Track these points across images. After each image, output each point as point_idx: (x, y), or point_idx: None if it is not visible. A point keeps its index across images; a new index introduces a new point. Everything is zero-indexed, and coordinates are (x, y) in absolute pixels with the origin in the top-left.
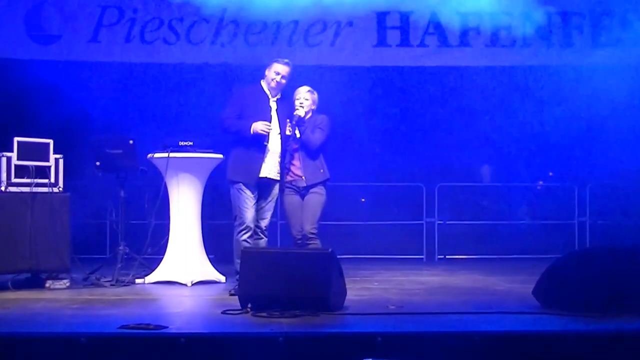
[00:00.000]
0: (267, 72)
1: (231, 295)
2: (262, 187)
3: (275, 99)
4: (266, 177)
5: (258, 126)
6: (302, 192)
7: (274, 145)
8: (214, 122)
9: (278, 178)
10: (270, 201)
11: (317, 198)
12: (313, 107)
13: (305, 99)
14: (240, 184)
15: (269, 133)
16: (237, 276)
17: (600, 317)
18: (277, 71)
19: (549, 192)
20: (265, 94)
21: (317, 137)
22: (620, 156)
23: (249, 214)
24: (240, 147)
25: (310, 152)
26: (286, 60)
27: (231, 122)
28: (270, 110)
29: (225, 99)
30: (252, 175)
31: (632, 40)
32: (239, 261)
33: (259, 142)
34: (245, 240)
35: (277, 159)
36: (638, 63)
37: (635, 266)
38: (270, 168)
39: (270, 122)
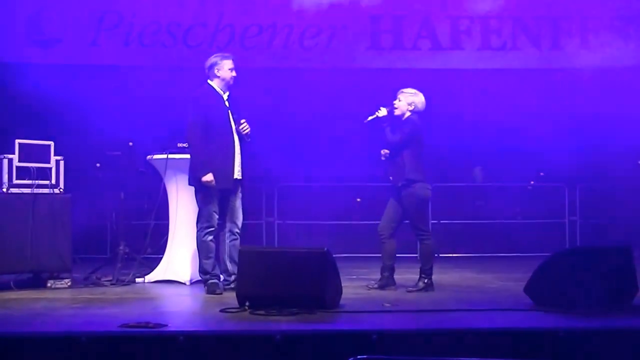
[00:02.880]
0: (218, 73)
1: (208, 294)
2: (232, 189)
3: (226, 96)
4: (235, 178)
5: (209, 181)
6: (399, 192)
7: (237, 146)
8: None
9: (241, 177)
10: (238, 200)
11: (405, 203)
12: (408, 108)
13: (398, 100)
14: (212, 188)
15: (233, 137)
16: (207, 276)
17: (590, 314)
18: (230, 67)
19: (540, 192)
20: (219, 94)
21: (394, 136)
22: (609, 157)
23: (216, 217)
24: (210, 154)
25: (393, 152)
26: (229, 54)
27: (199, 148)
28: (228, 111)
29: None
30: (228, 180)
31: (621, 43)
32: (206, 261)
33: (228, 147)
34: (212, 241)
35: (239, 159)
36: (626, 66)
37: (623, 264)
38: (237, 169)
39: (229, 124)
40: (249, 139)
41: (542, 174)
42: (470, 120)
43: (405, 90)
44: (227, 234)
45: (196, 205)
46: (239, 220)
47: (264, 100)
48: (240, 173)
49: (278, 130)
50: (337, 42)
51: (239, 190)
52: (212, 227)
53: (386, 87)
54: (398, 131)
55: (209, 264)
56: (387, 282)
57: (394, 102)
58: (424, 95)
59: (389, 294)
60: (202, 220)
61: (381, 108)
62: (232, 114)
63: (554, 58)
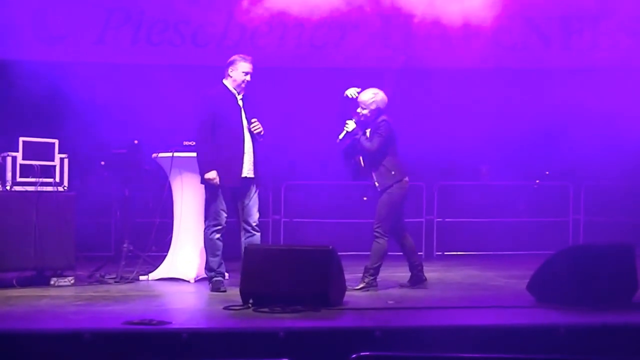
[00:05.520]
0: (231, 73)
1: (212, 291)
2: (242, 187)
3: (241, 96)
4: (245, 177)
5: (213, 180)
6: (381, 193)
7: (247, 145)
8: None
9: (253, 176)
10: (252, 198)
11: (383, 198)
12: (367, 112)
13: (362, 108)
14: (220, 186)
15: (243, 136)
16: (212, 273)
17: (592, 311)
18: (245, 71)
19: (545, 190)
20: (232, 93)
21: (372, 143)
22: (613, 156)
23: (225, 215)
24: (218, 151)
25: (373, 158)
26: (250, 57)
27: (206, 147)
28: (240, 110)
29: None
30: (236, 179)
31: (630, 42)
32: (213, 259)
33: (237, 146)
34: (219, 239)
35: (251, 158)
36: (633, 66)
37: (625, 262)
38: (247, 167)
39: (240, 124)
40: (261, 139)
41: (547, 172)
42: (476, 119)
43: (363, 97)
44: (242, 232)
45: (201, 203)
46: (252, 218)
47: (274, 99)
48: (252, 172)
49: (286, 129)
50: (348, 41)
51: (252, 189)
52: (219, 225)
53: (397, 86)
54: (375, 136)
55: (215, 261)
56: (417, 278)
57: (357, 110)
58: (435, 93)
59: (392, 291)
60: (209, 218)
61: (348, 122)
62: (245, 114)
63: (563, 57)
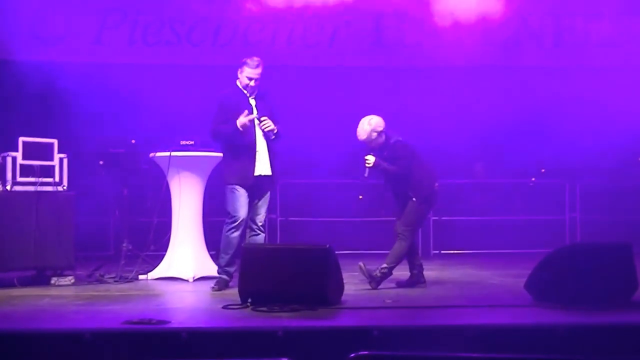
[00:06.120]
0: (239, 74)
1: (214, 290)
2: (256, 185)
3: (253, 96)
4: (259, 175)
5: (241, 120)
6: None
7: (260, 144)
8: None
9: (270, 173)
10: (263, 197)
11: (415, 203)
12: (373, 143)
13: (366, 143)
14: (235, 185)
15: (254, 135)
16: (219, 269)
17: (590, 310)
18: (249, 76)
19: (541, 188)
20: (243, 94)
21: (399, 168)
22: (609, 154)
23: (243, 212)
24: (232, 152)
25: (405, 177)
26: (256, 62)
27: (218, 129)
28: (252, 110)
29: (210, 105)
30: (248, 178)
31: (622, 40)
32: (223, 256)
33: (249, 145)
34: (235, 237)
35: (266, 155)
36: (626, 64)
37: (623, 260)
38: (262, 166)
39: (252, 124)
40: (273, 137)
41: (543, 170)
42: (471, 117)
43: (361, 134)
44: (248, 230)
45: (199, 203)
46: (258, 217)
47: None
48: (268, 169)
49: (280, 128)
50: (340, 39)
51: (266, 188)
52: (235, 223)
53: (388, 84)
54: (397, 160)
55: (224, 259)
56: (417, 279)
57: (368, 144)
58: (429, 92)
59: (390, 290)
60: (227, 216)
61: (366, 157)
62: (257, 113)
63: (556, 55)
